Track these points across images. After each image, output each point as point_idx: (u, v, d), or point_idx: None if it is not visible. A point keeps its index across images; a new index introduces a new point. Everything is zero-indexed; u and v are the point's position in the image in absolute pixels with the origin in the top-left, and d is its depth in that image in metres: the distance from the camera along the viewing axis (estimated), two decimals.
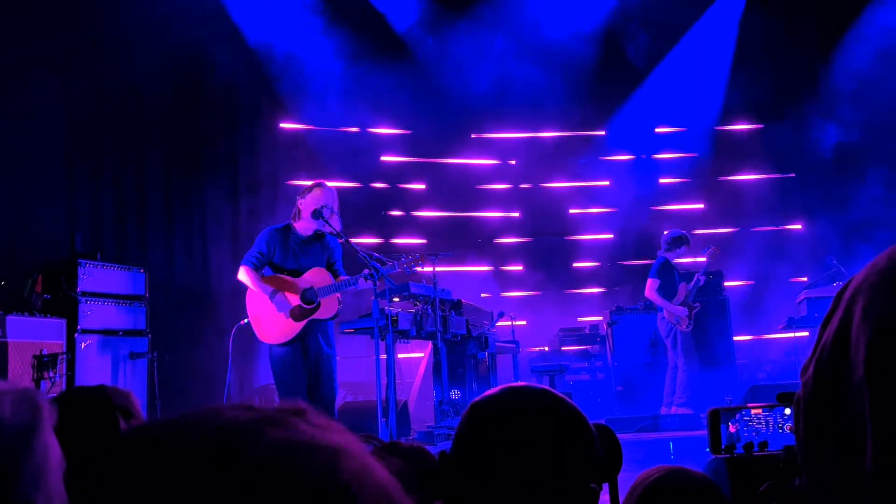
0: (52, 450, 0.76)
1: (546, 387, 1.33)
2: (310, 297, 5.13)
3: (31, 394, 0.79)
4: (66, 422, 1.02)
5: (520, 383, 1.34)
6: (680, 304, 7.81)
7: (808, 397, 0.88)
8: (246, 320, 5.38)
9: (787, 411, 2.75)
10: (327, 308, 5.15)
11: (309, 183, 5.39)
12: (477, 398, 1.32)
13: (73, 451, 0.95)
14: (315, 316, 5.13)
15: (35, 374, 5.73)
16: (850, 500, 0.78)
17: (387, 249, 9.31)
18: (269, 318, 5.14)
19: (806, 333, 8.86)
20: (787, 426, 2.73)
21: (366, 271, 5.11)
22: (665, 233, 8.13)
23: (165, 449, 0.56)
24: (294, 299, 5.12)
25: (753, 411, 2.77)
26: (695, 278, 7.93)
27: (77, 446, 0.98)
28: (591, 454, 1.27)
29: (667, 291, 7.83)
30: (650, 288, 7.85)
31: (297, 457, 0.56)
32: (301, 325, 5.10)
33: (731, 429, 2.78)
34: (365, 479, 0.57)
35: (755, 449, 2.71)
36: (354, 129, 9.84)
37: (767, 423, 2.78)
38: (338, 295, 5.21)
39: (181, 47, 7.90)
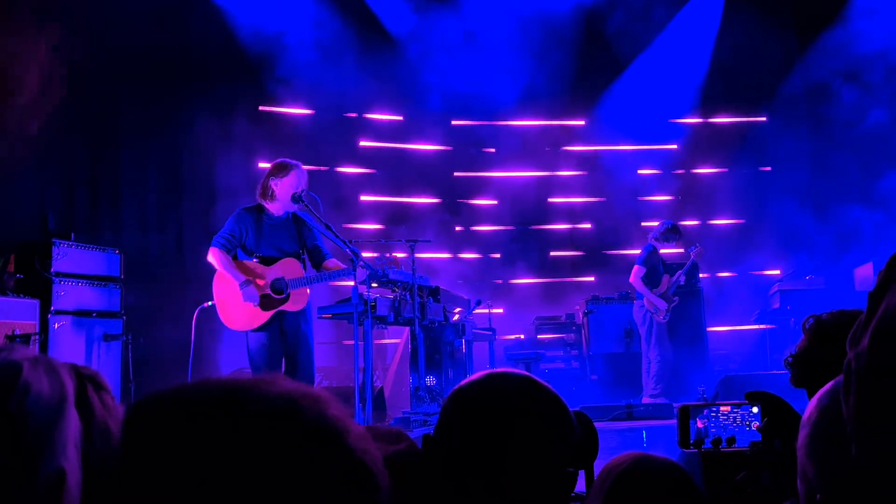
0: (74, 422, 0.79)
1: (526, 372, 1.34)
2: (279, 287, 5.03)
3: (56, 365, 0.82)
4: None
5: (501, 369, 1.36)
6: (660, 296, 7.84)
7: (862, 369, 0.85)
8: (210, 303, 5.27)
9: (755, 409, 2.82)
10: (297, 300, 5.06)
11: (276, 162, 5.14)
12: (460, 383, 1.33)
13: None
14: (284, 307, 5.03)
15: None
16: None
17: (362, 235, 9.30)
18: (235, 303, 5.02)
19: (773, 326, 9.05)
20: (754, 424, 2.80)
21: (344, 268, 5.08)
22: (657, 223, 8.17)
23: (181, 410, 0.68)
24: (264, 289, 5.05)
25: (723, 408, 2.86)
26: (676, 275, 7.97)
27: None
28: (568, 438, 1.29)
29: (651, 280, 7.87)
30: (635, 275, 7.87)
31: (294, 404, 0.69)
32: (268, 315, 5.01)
33: (699, 424, 2.85)
34: (346, 420, 0.71)
35: (723, 445, 2.79)
36: (332, 114, 9.78)
37: (735, 419, 2.86)
38: (307, 289, 5.14)
39: (159, 25, 7.79)
